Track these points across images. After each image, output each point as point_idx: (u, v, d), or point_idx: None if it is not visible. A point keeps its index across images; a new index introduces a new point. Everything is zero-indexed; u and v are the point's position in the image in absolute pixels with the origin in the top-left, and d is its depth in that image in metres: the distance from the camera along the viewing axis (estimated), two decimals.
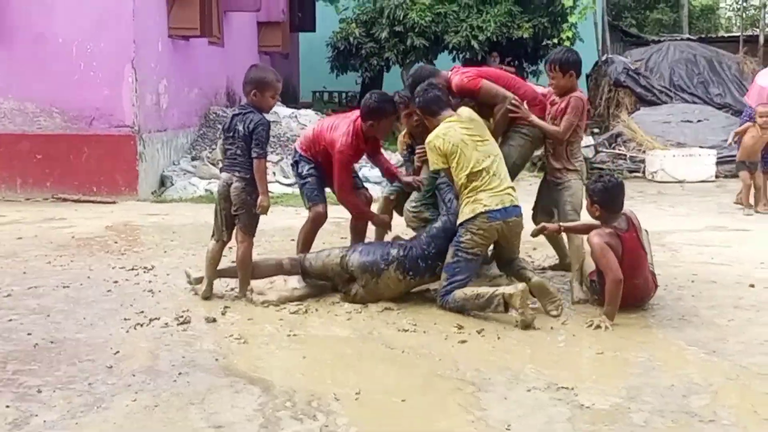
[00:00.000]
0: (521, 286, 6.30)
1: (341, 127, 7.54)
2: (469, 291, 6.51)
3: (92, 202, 12.81)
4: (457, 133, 6.77)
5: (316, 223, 7.87)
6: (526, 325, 6.15)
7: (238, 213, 6.96)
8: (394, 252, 6.84)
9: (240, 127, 6.84)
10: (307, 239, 7.90)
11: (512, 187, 6.85)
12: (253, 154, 6.78)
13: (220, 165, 7.85)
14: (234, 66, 17.43)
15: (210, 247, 7.12)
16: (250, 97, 6.93)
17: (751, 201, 12.15)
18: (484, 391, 5.11)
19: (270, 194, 12.94)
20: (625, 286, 6.18)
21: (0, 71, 13.26)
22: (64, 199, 12.96)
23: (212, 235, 7.15)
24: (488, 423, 4.64)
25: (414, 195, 7.59)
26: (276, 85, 6.97)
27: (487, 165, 6.68)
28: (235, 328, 6.35)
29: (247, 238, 7.03)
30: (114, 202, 12.79)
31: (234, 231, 7.07)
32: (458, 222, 6.73)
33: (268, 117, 7.03)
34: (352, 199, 7.76)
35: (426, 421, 4.74)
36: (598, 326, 6.17)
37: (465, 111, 7.03)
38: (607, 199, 6.44)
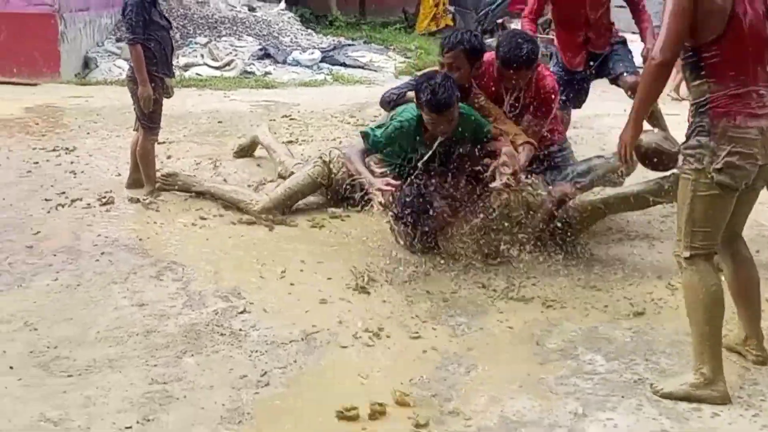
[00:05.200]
0: None
1: None
2: None
3: (12, 83, 12.33)
4: None
5: None
6: None
7: (134, 104, 6.48)
8: None
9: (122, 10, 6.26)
10: None
11: None
12: (125, 41, 6.21)
13: None
14: None
15: (132, 138, 6.75)
16: None
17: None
18: None
19: (198, 77, 12.96)
20: None
21: None
22: None
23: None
24: None
25: None
26: None
27: None
28: (160, 208, 6.25)
29: (144, 131, 6.48)
30: (36, 84, 12.35)
31: None
32: None
33: None
34: None
35: (348, 297, 4.78)
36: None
37: None
38: None
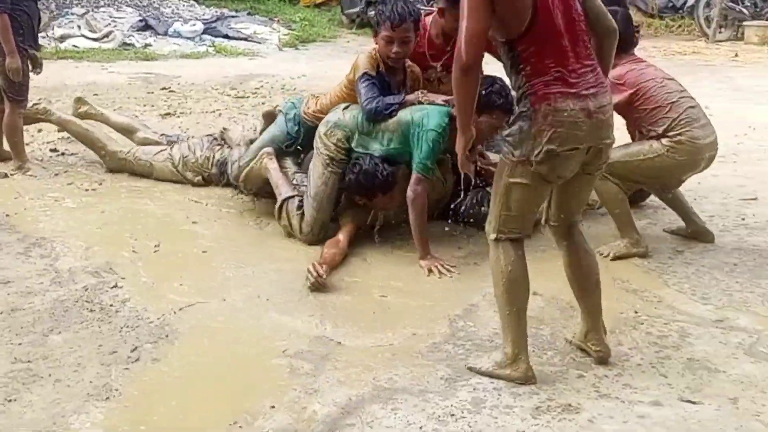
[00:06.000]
0: None
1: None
2: None
3: None
4: None
5: None
6: None
7: None
8: None
9: None
10: None
11: None
12: None
13: None
14: None
15: None
16: None
17: None
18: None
19: (75, 48, 12.57)
20: None
21: None
22: None
23: None
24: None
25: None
26: None
27: None
28: (29, 183, 6.07)
29: (11, 104, 6.24)
30: None
31: None
32: None
33: None
34: None
35: (224, 269, 4.74)
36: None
37: None
38: None
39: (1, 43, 6.03)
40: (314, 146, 5.31)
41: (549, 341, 3.97)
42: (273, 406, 3.37)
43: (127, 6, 15.21)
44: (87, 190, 5.95)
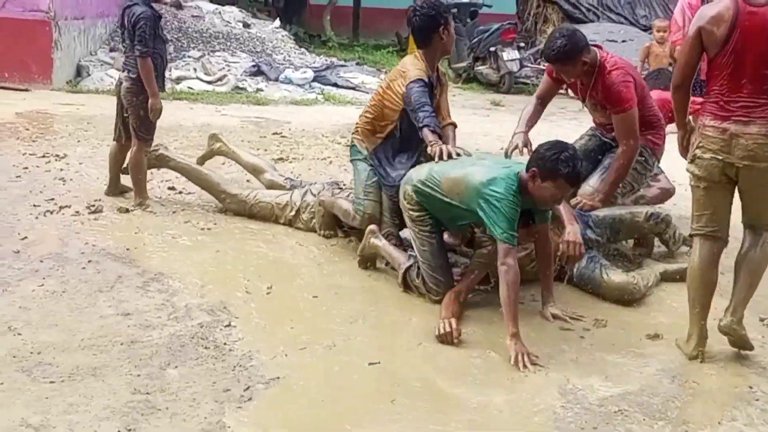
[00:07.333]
0: None
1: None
2: None
3: (3, 88, 12.30)
4: None
5: None
6: None
7: (129, 115, 6.50)
8: None
9: (125, 22, 6.33)
10: None
11: None
12: (136, 52, 6.28)
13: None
14: None
15: (111, 147, 6.82)
16: None
17: None
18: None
19: (190, 90, 12.98)
20: None
21: None
22: None
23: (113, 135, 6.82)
24: None
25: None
26: None
27: None
28: (148, 219, 6.27)
29: (139, 142, 6.50)
30: (27, 90, 12.34)
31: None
32: None
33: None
34: None
35: (334, 315, 4.80)
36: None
37: None
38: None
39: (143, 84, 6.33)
40: None
41: (660, 410, 3.91)
42: None
43: (241, 51, 15.62)
44: (203, 229, 6.11)
